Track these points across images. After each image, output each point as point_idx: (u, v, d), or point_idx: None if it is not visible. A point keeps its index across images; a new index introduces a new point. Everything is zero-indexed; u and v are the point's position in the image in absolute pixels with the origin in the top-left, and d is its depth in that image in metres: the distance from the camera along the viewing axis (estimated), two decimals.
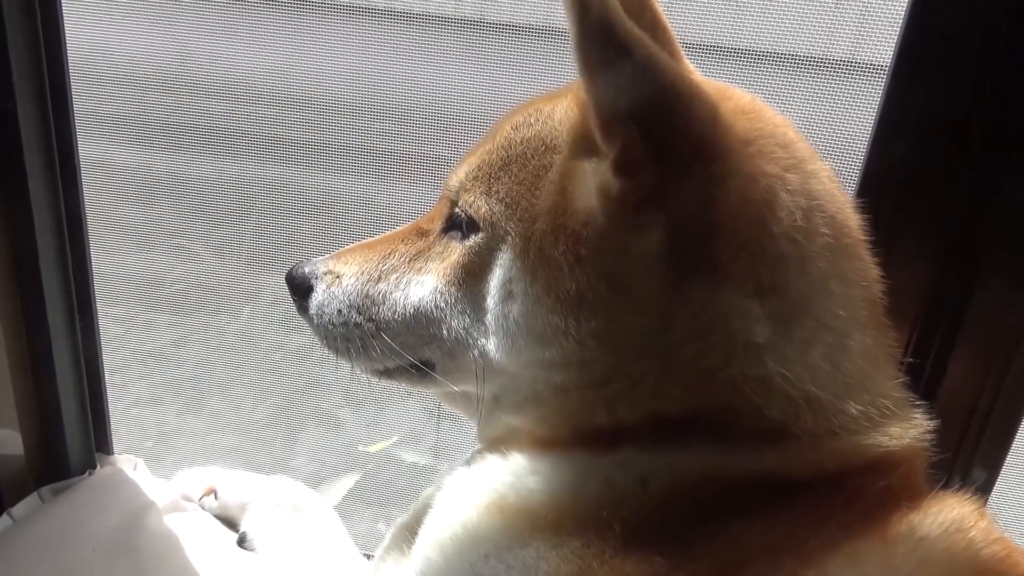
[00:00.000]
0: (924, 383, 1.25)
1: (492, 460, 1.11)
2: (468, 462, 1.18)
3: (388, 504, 2.40)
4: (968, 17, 1.16)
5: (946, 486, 1.08)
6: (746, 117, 1.04)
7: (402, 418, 2.50)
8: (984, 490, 1.38)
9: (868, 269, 1.09)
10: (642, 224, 0.99)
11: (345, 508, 2.35)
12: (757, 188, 1.00)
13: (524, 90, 2.54)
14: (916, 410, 1.09)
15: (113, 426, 2.12)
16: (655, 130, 0.95)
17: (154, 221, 2.70)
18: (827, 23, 1.61)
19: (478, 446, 1.22)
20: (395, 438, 2.38)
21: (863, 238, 1.09)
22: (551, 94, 1.16)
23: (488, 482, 1.09)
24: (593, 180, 1.01)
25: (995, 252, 1.24)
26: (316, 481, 2.41)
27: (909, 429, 1.06)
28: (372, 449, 2.39)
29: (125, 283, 2.65)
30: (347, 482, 2.35)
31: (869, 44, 1.52)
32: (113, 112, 2.54)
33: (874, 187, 1.23)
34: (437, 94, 2.52)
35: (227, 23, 2.53)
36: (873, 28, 1.51)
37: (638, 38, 0.91)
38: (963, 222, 1.24)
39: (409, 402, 2.48)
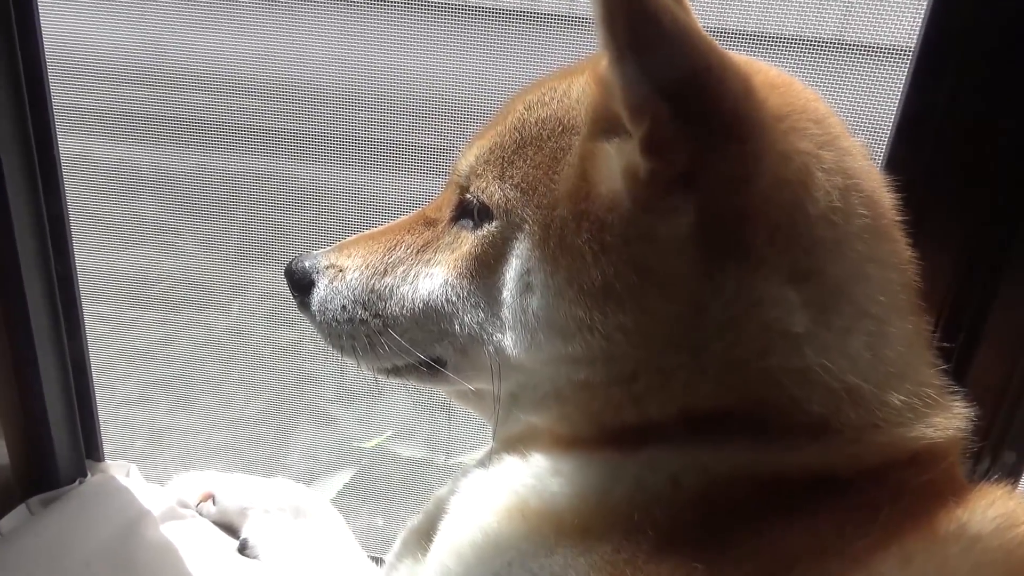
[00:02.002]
0: (953, 365, 1.17)
1: (511, 461, 1.03)
2: (483, 463, 1.09)
3: (385, 499, 2.32)
4: (992, 8, 1.09)
5: (976, 468, 1.01)
6: (777, 91, 0.96)
7: (396, 412, 2.41)
8: (1015, 472, 1.32)
9: (903, 251, 1.01)
10: (672, 208, 0.90)
11: (341, 504, 2.27)
12: (792, 167, 0.92)
13: (511, 75, 2.49)
14: (956, 398, 1.01)
15: (102, 426, 2.02)
16: (686, 107, 0.86)
17: (139, 216, 2.60)
18: (847, 5, 1.53)
19: (493, 445, 1.14)
20: (389, 432, 2.29)
21: (897, 218, 1.02)
22: (564, 71, 1.07)
23: (508, 485, 1.00)
24: (618, 162, 0.92)
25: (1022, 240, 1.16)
26: (311, 478, 2.33)
27: (952, 419, 0.98)
28: (367, 445, 2.30)
29: (110, 280, 2.56)
30: (342, 478, 2.26)
31: (891, 27, 1.45)
32: (93, 106, 2.45)
33: (900, 169, 1.15)
34: (423, 80, 2.44)
35: (206, 13, 2.44)
36: (897, 11, 1.43)
37: (667, 9, 0.83)
38: (991, 204, 1.16)
39: (402, 395, 2.40)
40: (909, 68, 1.14)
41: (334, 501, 2.22)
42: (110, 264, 2.55)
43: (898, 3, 1.42)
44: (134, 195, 2.58)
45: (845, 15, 1.54)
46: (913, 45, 1.14)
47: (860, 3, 1.52)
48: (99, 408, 1.99)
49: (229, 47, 2.46)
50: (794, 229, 0.92)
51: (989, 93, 1.12)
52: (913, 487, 0.93)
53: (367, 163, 2.61)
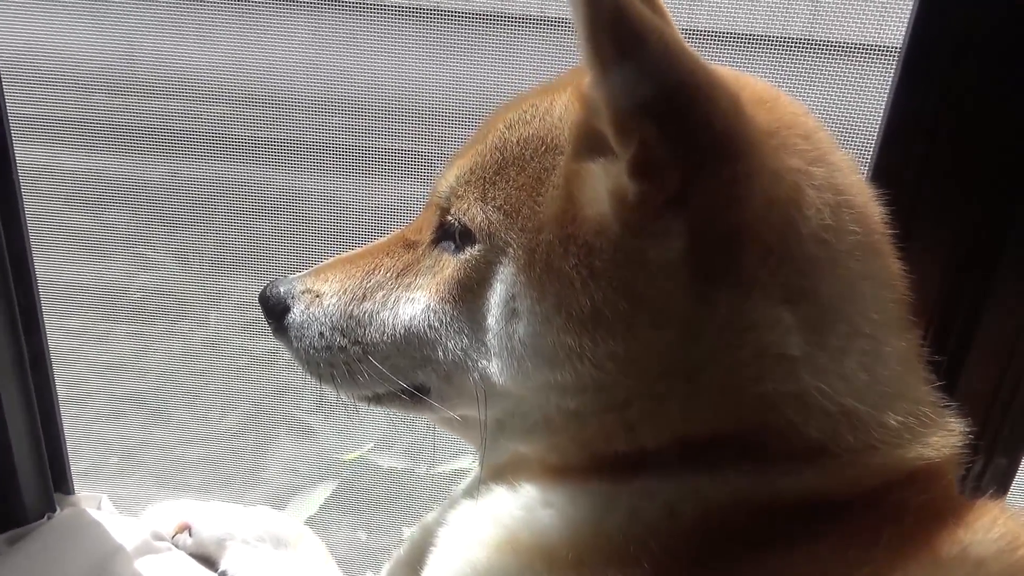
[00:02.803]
0: (944, 371, 1.14)
1: (500, 492, 0.98)
2: (470, 492, 1.05)
3: (367, 512, 2.27)
4: (981, 6, 1.05)
5: (968, 473, 0.99)
6: (765, 107, 0.92)
7: (376, 422, 2.36)
8: (1007, 476, 1.30)
9: (894, 265, 0.98)
10: (662, 231, 0.86)
11: (322, 518, 2.22)
12: (783, 185, 0.89)
13: (485, 79, 2.46)
14: (950, 414, 0.99)
15: (73, 444, 1.96)
16: (675, 126, 0.82)
17: (108, 227, 2.54)
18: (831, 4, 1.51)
19: (478, 472, 1.10)
20: (370, 445, 2.25)
21: (887, 232, 0.99)
22: (545, 88, 1.03)
23: (497, 518, 0.96)
24: (604, 184, 0.88)
25: (1015, 244, 1.13)
26: (290, 491, 2.28)
27: (948, 437, 0.96)
28: (347, 458, 2.25)
29: (79, 293, 2.49)
30: (323, 492, 2.21)
31: (876, 26, 1.42)
32: (59, 115, 2.38)
33: (887, 177, 1.12)
34: (395, 86, 2.40)
35: (173, 18, 2.38)
36: (882, 10, 1.41)
37: (653, 25, 0.79)
38: (981, 212, 1.13)
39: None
40: (896, 69, 1.10)
41: (315, 515, 2.18)
42: (79, 276, 2.49)
43: (883, 2, 1.39)
44: (103, 205, 2.52)
45: (817, 14, 1.52)
46: (899, 44, 1.11)
47: (845, 2, 1.49)
48: (69, 426, 1.91)
49: (198, 53, 2.41)
50: (786, 249, 0.88)
51: (979, 95, 1.09)
52: (912, 508, 0.90)
53: (340, 169, 2.57)
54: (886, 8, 1.41)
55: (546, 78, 2.49)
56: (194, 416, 2.47)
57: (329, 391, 1.09)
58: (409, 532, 1.19)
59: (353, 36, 2.44)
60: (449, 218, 1.00)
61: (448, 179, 1.01)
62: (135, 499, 2.29)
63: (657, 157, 0.83)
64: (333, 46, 2.45)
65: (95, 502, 1.72)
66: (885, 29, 1.41)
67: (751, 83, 0.96)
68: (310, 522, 2.16)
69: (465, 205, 0.97)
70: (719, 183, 0.85)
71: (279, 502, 2.25)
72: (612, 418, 0.91)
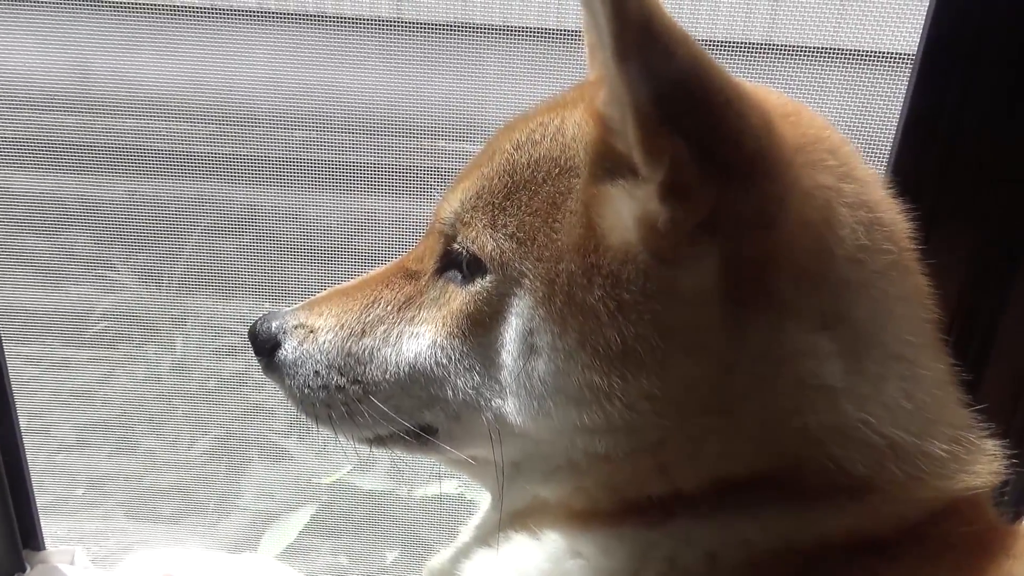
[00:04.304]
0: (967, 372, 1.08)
1: (521, 542, 0.89)
2: (484, 540, 0.95)
3: (347, 535, 2.17)
4: (995, 8, 0.99)
5: None
6: (789, 121, 0.85)
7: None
8: None
9: (924, 284, 0.91)
10: (694, 257, 0.78)
11: (301, 544, 2.11)
12: (814, 205, 0.81)
13: (449, 90, 2.37)
14: (989, 438, 0.92)
15: (36, 476, 1.82)
16: (707, 144, 0.75)
17: (64, 250, 2.41)
18: (847, 13, 1.45)
19: (484, 514, 1.01)
20: (348, 468, 2.14)
21: (915, 248, 0.92)
22: (551, 105, 0.94)
23: (520, 571, 0.87)
24: (629, 208, 0.80)
25: None
26: (267, 518, 2.16)
27: (990, 463, 0.89)
28: (326, 481, 2.13)
29: (38, 319, 2.37)
30: (301, 517, 2.10)
31: (890, 33, 1.36)
32: (6, 135, 2.24)
33: (904, 183, 1.06)
34: (359, 99, 2.32)
35: (128, 33, 2.26)
36: (894, 16, 1.35)
37: (682, 38, 0.71)
38: (1000, 216, 1.07)
39: None
40: (912, 73, 1.04)
41: (294, 541, 2.07)
42: (35, 302, 2.36)
43: (896, 9, 1.33)
44: (59, 227, 2.39)
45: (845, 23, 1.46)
46: (914, 50, 1.04)
47: (858, 11, 1.44)
48: (31, 458, 1.79)
49: (155, 69, 2.30)
50: (820, 272, 0.81)
51: (995, 96, 1.03)
52: (959, 542, 0.83)
53: (304, 185, 2.48)
54: (885, 14, 1.36)
55: (510, 87, 2.40)
56: (162, 443, 2.36)
57: (326, 433, 0.99)
58: None
59: (314, 50, 2.35)
60: (455, 246, 0.90)
61: (452, 204, 0.92)
62: (104, 533, 2.17)
63: (689, 179, 0.75)
64: (294, 60, 2.36)
65: (68, 556, 1.59)
66: (885, 35, 1.36)
67: (772, 96, 0.88)
68: (289, 549, 2.05)
69: (473, 233, 0.88)
70: (751, 205, 0.77)
71: (255, 529, 2.14)
72: (645, 460, 0.83)
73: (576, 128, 0.87)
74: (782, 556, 0.80)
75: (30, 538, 1.57)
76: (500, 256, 0.86)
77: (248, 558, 1.55)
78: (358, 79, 2.32)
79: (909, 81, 1.04)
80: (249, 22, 2.37)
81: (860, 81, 1.40)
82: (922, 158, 1.06)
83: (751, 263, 0.79)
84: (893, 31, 1.36)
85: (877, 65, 1.38)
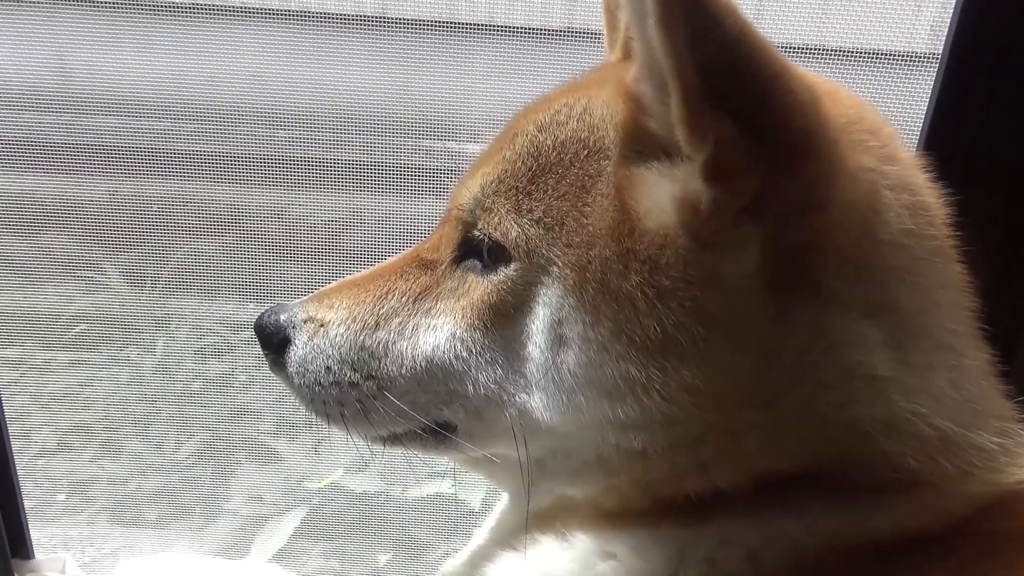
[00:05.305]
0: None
1: (548, 544, 0.83)
2: (506, 541, 0.89)
3: (339, 539, 2.09)
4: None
5: None
6: (830, 99, 0.79)
7: (345, 442, 2.18)
8: None
9: (962, 272, 0.86)
10: (737, 242, 0.72)
11: (291, 548, 2.03)
12: (861, 187, 0.76)
13: (433, 87, 2.32)
14: None
15: (17, 480, 1.73)
16: (754, 121, 0.69)
17: (43, 250, 2.31)
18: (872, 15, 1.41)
19: (509, 516, 0.94)
20: (340, 471, 2.06)
21: (952, 235, 0.86)
22: (574, 86, 0.88)
23: (548, 574, 0.81)
24: (667, 190, 0.74)
25: None
26: (256, 522, 2.08)
27: None
28: (317, 485, 2.05)
29: (18, 321, 2.28)
30: (292, 520, 2.02)
31: (915, 34, 1.32)
32: None
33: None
34: (344, 96, 2.26)
35: (108, 30, 2.17)
36: (917, 18, 1.31)
37: (728, 7, 0.65)
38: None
39: None
40: (937, 76, 0.99)
41: (285, 546, 1.99)
42: (14, 303, 2.26)
43: (921, 10, 1.28)
44: (38, 227, 2.29)
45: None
46: (940, 51, 0.99)
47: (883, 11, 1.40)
48: (15, 460, 1.70)
49: (136, 66, 2.22)
50: (864, 257, 0.76)
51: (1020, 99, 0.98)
52: (1010, 537, 0.78)
53: (289, 182, 2.41)
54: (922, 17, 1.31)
55: (496, 85, 2.34)
56: (147, 446, 2.27)
57: (338, 432, 0.92)
58: None
59: (298, 47, 2.29)
60: (476, 233, 0.84)
61: (471, 189, 0.85)
62: (88, 539, 2.08)
63: (736, 158, 0.70)
64: (277, 57, 2.30)
65: (58, 565, 1.50)
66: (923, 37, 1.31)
67: (811, 75, 0.83)
68: (280, 553, 1.97)
69: (496, 219, 0.82)
70: (798, 185, 0.72)
71: (245, 533, 2.06)
72: (683, 456, 0.77)
73: (604, 108, 0.81)
74: (827, 556, 0.75)
75: (19, 546, 1.48)
76: (526, 242, 0.80)
77: (253, 563, 1.47)
78: (343, 77, 2.26)
79: (934, 81, 0.99)
80: (232, 19, 2.30)
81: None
82: (946, 161, 1.02)
83: (795, 248, 0.74)
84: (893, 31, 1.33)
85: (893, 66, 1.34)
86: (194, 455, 2.24)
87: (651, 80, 0.74)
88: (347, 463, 2.10)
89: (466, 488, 1.89)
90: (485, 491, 1.83)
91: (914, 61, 1.49)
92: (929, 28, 1.79)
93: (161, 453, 2.25)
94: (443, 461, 0.95)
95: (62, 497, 2.22)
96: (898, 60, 1.47)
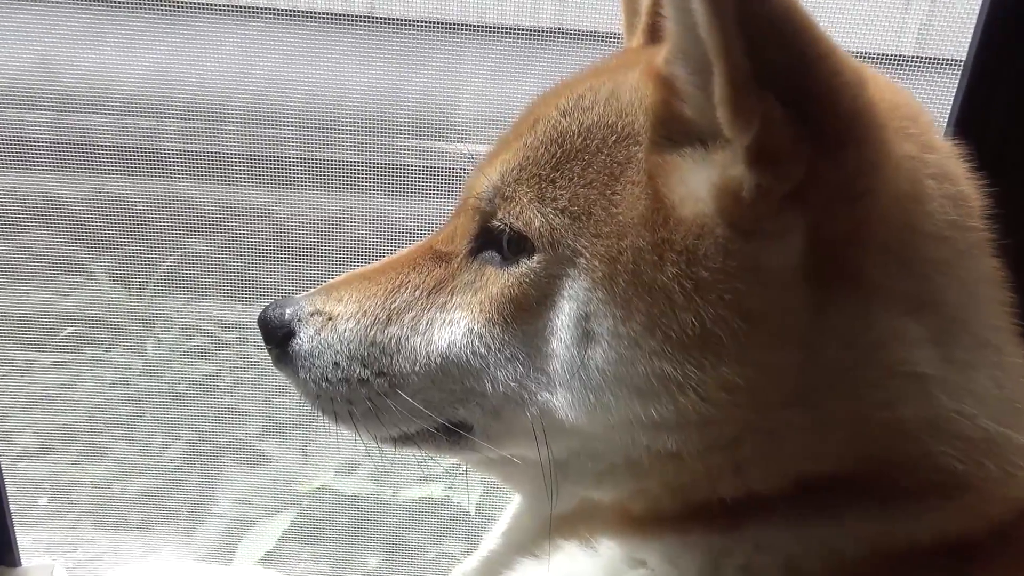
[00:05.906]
0: None
1: (572, 551, 0.77)
2: (526, 547, 0.83)
3: (328, 542, 2.03)
4: None
5: None
6: (874, 84, 0.75)
7: (334, 443, 2.11)
8: None
9: (998, 265, 0.82)
10: (779, 231, 0.68)
11: (280, 551, 1.97)
12: (903, 176, 0.72)
13: (423, 86, 2.27)
14: None
15: (4, 486, 1.66)
16: (802, 103, 0.64)
17: (25, 250, 2.24)
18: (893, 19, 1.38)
19: (526, 521, 0.89)
20: (331, 472, 2.00)
21: (989, 228, 0.82)
22: (598, 69, 0.83)
23: None
24: (704, 177, 0.69)
25: None
26: (244, 525, 2.01)
27: None
28: (307, 488, 1.98)
29: None
30: (280, 523, 1.96)
31: (938, 38, 1.28)
32: None
33: None
34: (332, 95, 2.21)
35: (92, 27, 2.10)
36: (941, 22, 1.28)
37: None
38: None
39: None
40: (961, 81, 0.95)
41: (272, 549, 1.93)
42: None
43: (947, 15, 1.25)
44: (20, 227, 2.22)
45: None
46: (964, 56, 0.96)
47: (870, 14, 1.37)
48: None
49: (120, 63, 2.16)
50: (905, 250, 0.72)
51: None
52: None
53: (276, 181, 2.35)
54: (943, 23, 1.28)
55: (485, 85, 2.29)
56: (132, 448, 2.20)
57: (346, 432, 0.86)
58: None
59: (285, 45, 2.23)
60: (495, 223, 0.79)
61: (490, 177, 0.80)
62: (72, 543, 2.00)
63: (783, 141, 0.65)
64: (265, 56, 2.25)
65: (47, 572, 1.42)
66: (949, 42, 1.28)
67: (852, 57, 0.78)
68: (268, 557, 1.90)
69: (517, 208, 0.77)
70: (845, 172, 0.68)
71: (232, 536, 1.99)
72: (718, 458, 0.72)
73: (633, 92, 0.76)
74: (868, 563, 0.70)
75: (6, 554, 1.42)
76: (550, 233, 0.75)
77: (246, 569, 1.40)
78: (331, 75, 2.21)
79: (958, 86, 0.96)
80: (219, 16, 2.24)
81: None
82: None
83: (838, 239, 0.69)
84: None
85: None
86: (180, 457, 2.17)
87: (685, 62, 0.70)
88: (337, 465, 2.03)
89: (461, 491, 1.84)
90: (481, 494, 1.77)
91: (902, 64, 1.46)
92: (916, 31, 1.77)
93: (146, 455, 2.19)
94: (455, 462, 0.90)
95: (43, 501, 2.15)
96: (886, 63, 1.44)
